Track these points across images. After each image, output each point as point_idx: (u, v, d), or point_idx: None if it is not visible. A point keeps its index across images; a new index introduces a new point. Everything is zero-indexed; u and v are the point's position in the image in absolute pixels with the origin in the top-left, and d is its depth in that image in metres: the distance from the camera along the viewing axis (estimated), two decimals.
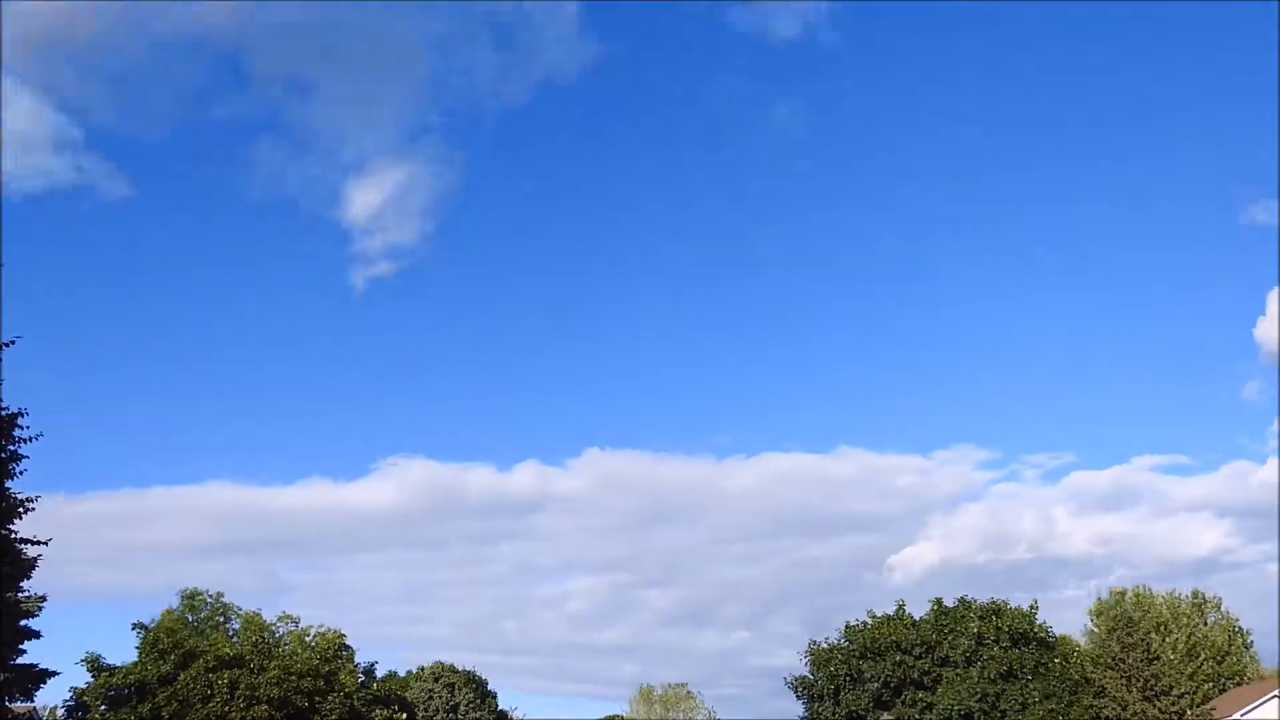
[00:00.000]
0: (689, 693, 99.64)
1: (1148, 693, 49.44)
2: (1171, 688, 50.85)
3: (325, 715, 44.18)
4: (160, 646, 44.52)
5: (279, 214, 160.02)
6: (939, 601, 53.05)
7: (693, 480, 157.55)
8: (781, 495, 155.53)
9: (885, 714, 50.25)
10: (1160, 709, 49.30)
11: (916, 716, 49.02)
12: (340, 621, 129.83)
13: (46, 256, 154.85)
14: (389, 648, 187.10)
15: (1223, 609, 76.20)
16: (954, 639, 50.17)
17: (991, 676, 48.62)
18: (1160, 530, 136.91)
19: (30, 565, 34.85)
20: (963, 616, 51.34)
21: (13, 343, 32.68)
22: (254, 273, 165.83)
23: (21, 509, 33.58)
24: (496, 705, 73.85)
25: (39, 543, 34.38)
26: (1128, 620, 57.17)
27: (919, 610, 53.52)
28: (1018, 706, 47.77)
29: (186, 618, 54.96)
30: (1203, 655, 71.54)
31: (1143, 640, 53.22)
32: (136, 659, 45.01)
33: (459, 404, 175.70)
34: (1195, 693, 66.27)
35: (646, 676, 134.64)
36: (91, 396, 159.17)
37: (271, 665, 44.41)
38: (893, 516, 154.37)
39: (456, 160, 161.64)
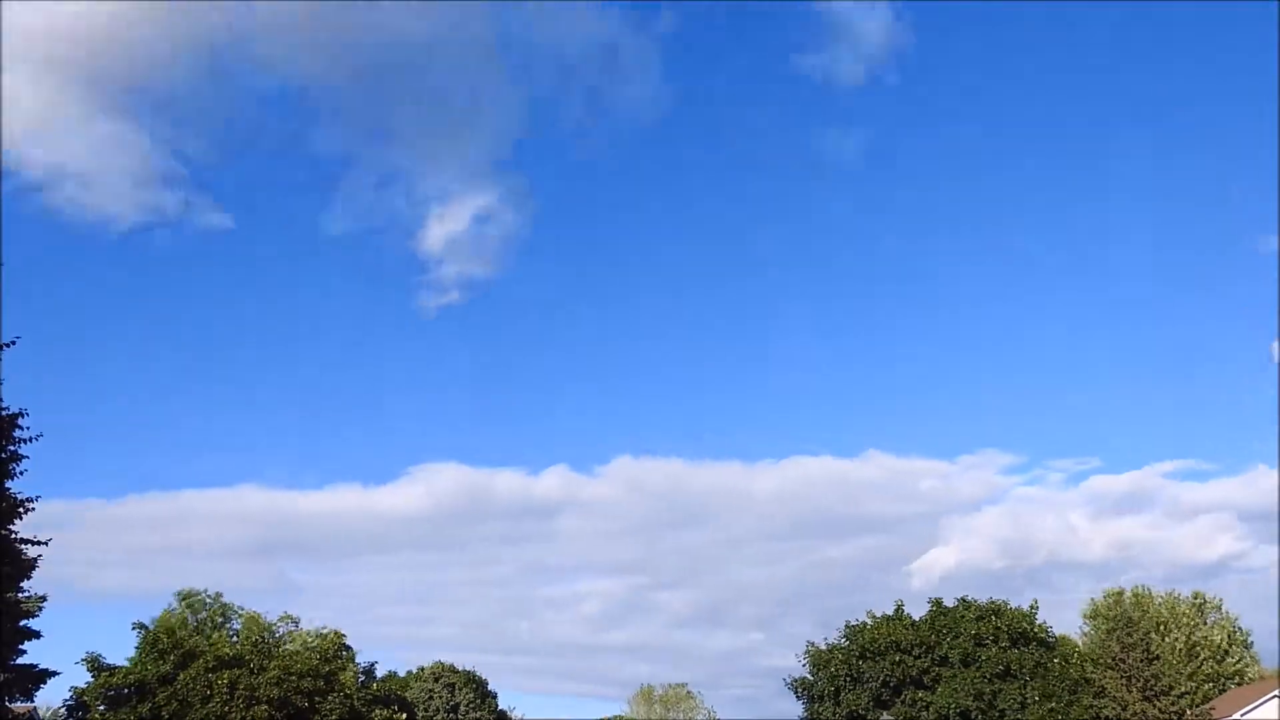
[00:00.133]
0: (689, 693, 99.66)
1: (1147, 693, 49.42)
2: (1171, 688, 50.83)
3: (325, 715, 44.16)
4: (160, 646, 44.53)
5: (359, 244, 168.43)
6: (938, 602, 53.07)
7: (718, 484, 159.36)
8: (803, 499, 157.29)
9: (885, 714, 50.27)
10: (1160, 709, 49.28)
11: (916, 715, 49.02)
12: (350, 622, 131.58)
13: (150, 282, 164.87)
14: (399, 647, 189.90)
15: (1223, 609, 76.30)
16: (952, 639, 50.19)
17: (989, 676, 48.63)
18: (1176, 534, 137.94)
19: (30, 565, 34.85)
20: (961, 617, 51.35)
21: (13, 343, 32.69)
22: (327, 296, 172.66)
23: (21, 509, 33.57)
24: (496, 705, 73.84)
25: (39, 543, 34.39)
26: (1128, 620, 57.16)
27: (920, 611, 53.58)
28: (1016, 705, 47.78)
29: (186, 618, 54.96)
30: (1203, 655, 71.55)
31: (1142, 640, 53.20)
32: (136, 659, 45.01)
33: (499, 415, 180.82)
34: (1195, 693, 66.27)
35: (657, 677, 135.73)
36: (155, 406, 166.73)
37: (271, 665, 44.41)
38: (910, 520, 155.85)
39: (530, 197, 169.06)
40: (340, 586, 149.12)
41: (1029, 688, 48.35)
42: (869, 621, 53.33)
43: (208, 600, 58.37)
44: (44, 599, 36.32)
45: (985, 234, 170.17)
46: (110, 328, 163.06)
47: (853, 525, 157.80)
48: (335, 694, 44.83)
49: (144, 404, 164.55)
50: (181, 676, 43.33)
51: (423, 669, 72.21)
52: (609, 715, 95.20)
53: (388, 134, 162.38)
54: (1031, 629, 51.07)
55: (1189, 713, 50.81)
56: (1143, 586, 78.25)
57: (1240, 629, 74.58)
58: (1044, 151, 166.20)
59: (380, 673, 54.78)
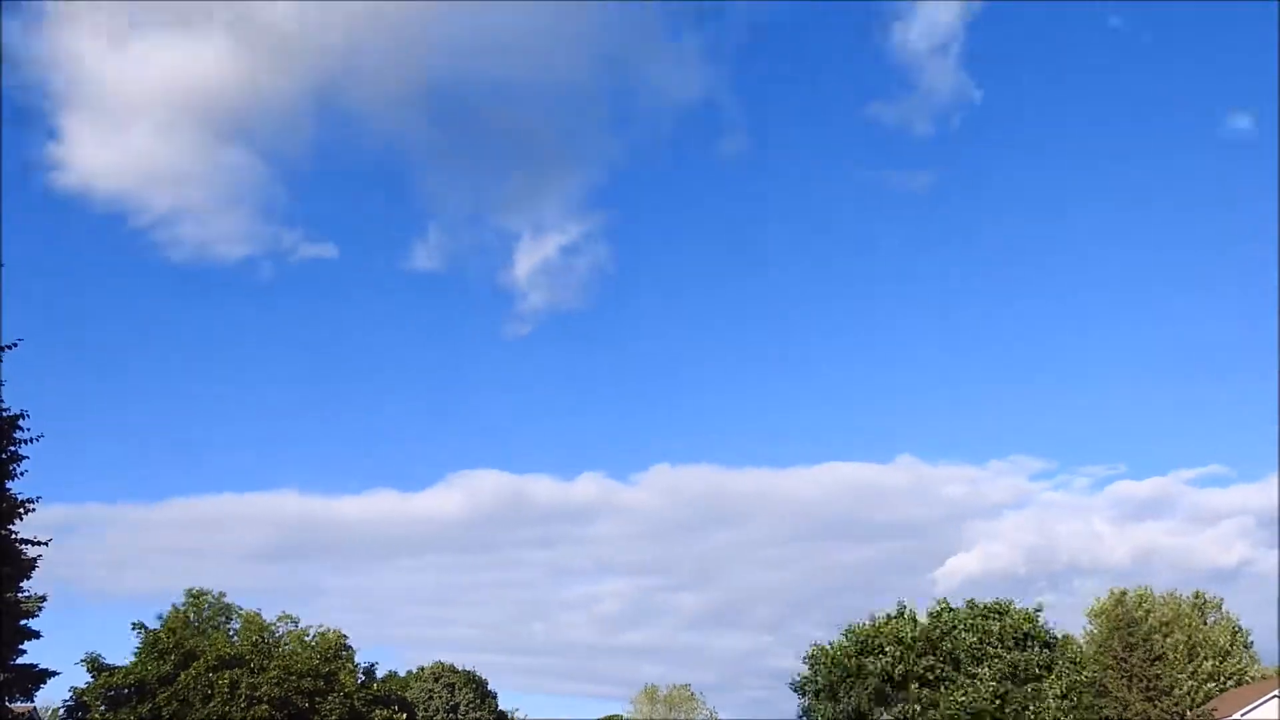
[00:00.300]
0: (691, 693, 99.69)
1: (1149, 693, 49.44)
2: (1173, 688, 50.86)
3: (325, 715, 44.23)
4: (160, 646, 44.62)
5: (450, 274, 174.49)
6: (943, 601, 53.03)
7: (750, 489, 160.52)
8: (829, 503, 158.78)
9: (886, 714, 50.23)
10: (1161, 709, 49.30)
11: (918, 716, 48.98)
12: (370, 623, 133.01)
13: (251, 310, 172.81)
14: (416, 647, 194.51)
15: (1223, 609, 76.28)
16: (955, 639, 50.15)
17: (999, 676, 48.58)
18: (1196, 540, 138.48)
19: (30, 565, 34.90)
20: (964, 617, 51.31)
21: (14, 345, 32.77)
22: (412, 323, 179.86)
23: (22, 509, 33.64)
24: (496, 705, 73.95)
25: (39, 543, 34.47)
26: (1130, 620, 57.18)
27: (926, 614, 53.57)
28: (1019, 706, 47.75)
29: (189, 617, 55.08)
30: (1203, 655, 71.53)
31: (1144, 640, 53.21)
32: (137, 659, 45.11)
33: (540, 427, 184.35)
34: (1196, 692, 66.25)
35: (668, 678, 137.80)
36: (221, 415, 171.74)
37: (271, 665, 44.48)
38: (933, 524, 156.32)
39: (616, 232, 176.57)
40: (365, 588, 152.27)
41: (1040, 688, 48.28)
42: (870, 622, 53.32)
43: (211, 599, 58.39)
44: (44, 599, 36.38)
45: (1012, 241, 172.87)
46: (211, 352, 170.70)
47: (875, 530, 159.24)
48: (335, 694, 44.89)
49: (223, 421, 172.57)
50: (182, 676, 43.40)
51: (423, 669, 72.33)
52: (609, 715, 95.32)
53: (482, 168, 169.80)
54: (1035, 630, 51.03)
55: (1190, 713, 50.80)
56: (1145, 587, 78.34)
57: (1241, 629, 74.60)
58: (1088, 154, 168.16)
59: (382, 672, 54.79)
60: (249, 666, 44.35)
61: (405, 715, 49.99)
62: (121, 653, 44.64)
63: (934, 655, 50.06)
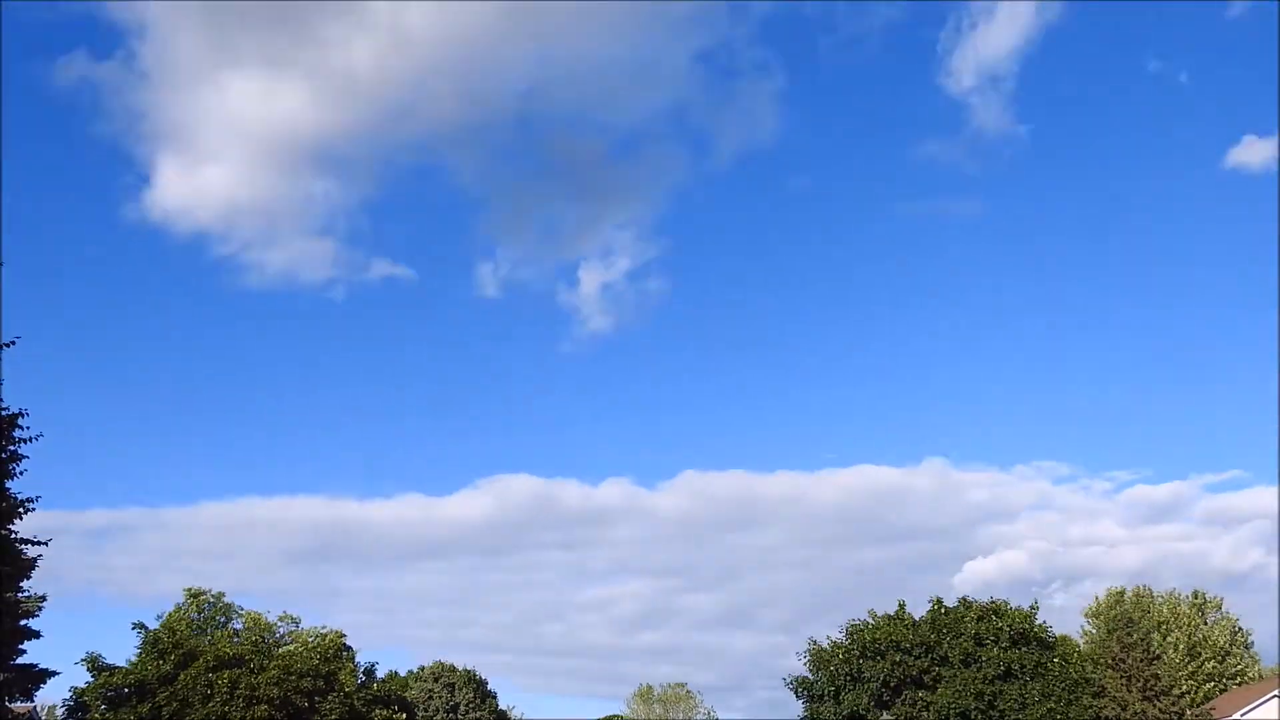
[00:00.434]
0: (688, 692, 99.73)
1: (1148, 693, 49.42)
2: (1172, 687, 50.85)
3: (325, 715, 44.14)
4: (160, 646, 44.52)
5: (514, 297, 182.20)
6: (939, 601, 53.06)
7: (776, 493, 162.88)
8: (853, 506, 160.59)
9: (885, 714, 50.24)
10: (1160, 709, 49.27)
11: (916, 715, 49.00)
12: (384, 623, 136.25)
13: (314, 328, 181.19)
14: (429, 648, 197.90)
15: (1223, 609, 76.38)
16: (952, 639, 50.18)
17: (989, 676, 48.61)
18: (1211, 544, 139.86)
19: (30, 565, 34.85)
20: (962, 617, 51.33)
21: (13, 343, 32.65)
22: (473, 343, 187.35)
23: (21, 509, 33.55)
24: (496, 705, 73.90)
25: (39, 543, 34.40)
26: (1128, 620, 57.23)
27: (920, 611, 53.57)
28: (1016, 706, 47.76)
29: (191, 616, 55.02)
30: (1204, 655, 71.61)
31: (1143, 640, 53.23)
32: (137, 659, 44.99)
33: (571, 433, 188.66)
34: (1196, 692, 66.31)
35: (678, 678, 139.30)
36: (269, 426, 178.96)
37: (271, 665, 44.39)
38: (952, 528, 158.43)
39: (675, 261, 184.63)
40: (384, 590, 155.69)
41: (1029, 688, 48.32)
42: (870, 621, 53.32)
43: (210, 599, 58.34)
44: (44, 599, 36.40)
45: (1047, 258, 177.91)
46: (272, 369, 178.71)
47: (896, 532, 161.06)
48: (335, 694, 44.81)
49: (269, 429, 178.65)
50: (182, 676, 43.32)
51: (423, 669, 72.25)
52: (608, 715, 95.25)
53: (552, 195, 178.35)
54: (1031, 629, 51.05)
55: (1189, 713, 50.80)
56: (1144, 586, 78.43)
57: (1241, 629, 74.72)
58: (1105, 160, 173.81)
59: (388, 672, 54.77)
60: (249, 666, 44.27)
61: (405, 715, 49.91)
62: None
63: (929, 657, 50.08)
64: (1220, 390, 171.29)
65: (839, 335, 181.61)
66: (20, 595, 35.40)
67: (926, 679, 49.89)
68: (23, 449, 33.34)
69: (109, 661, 44.77)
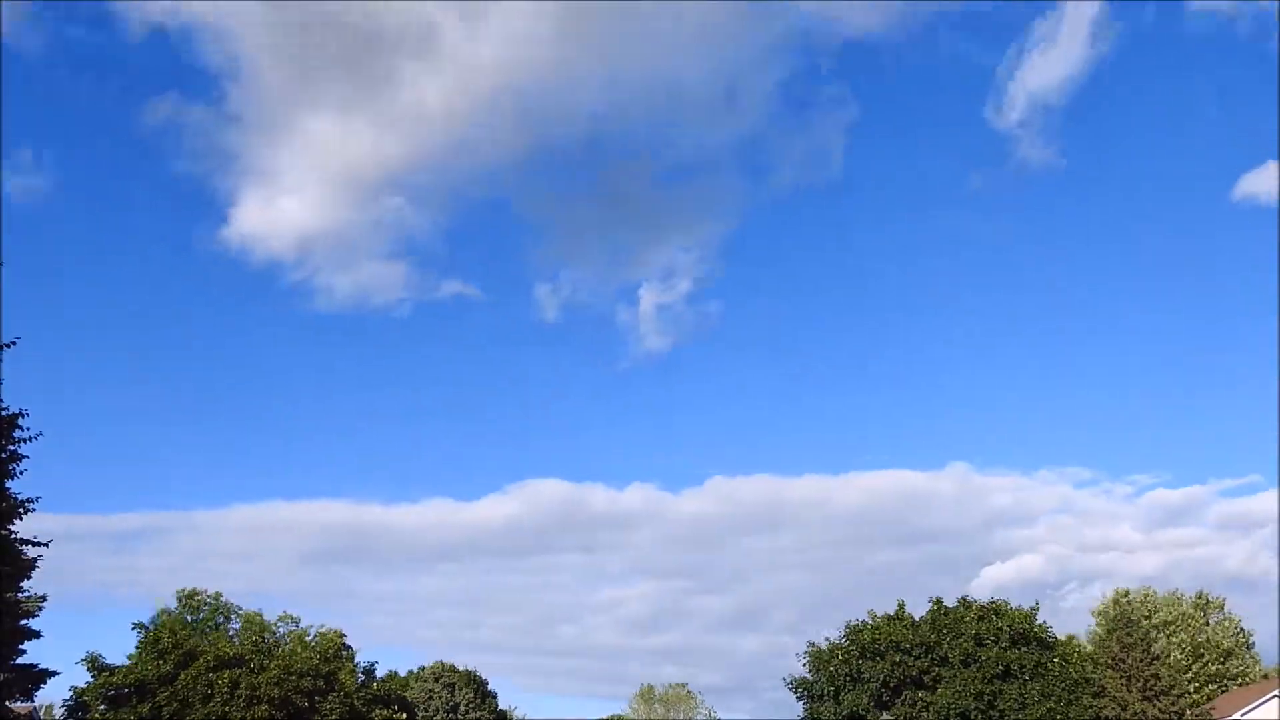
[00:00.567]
0: (689, 692, 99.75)
1: (1147, 693, 49.41)
2: (1172, 687, 50.82)
3: (325, 715, 44.18)
4: (161, 646, 44.55)
5: (572, 317, 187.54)
6: (939, 601, 53.06)
7: (799, 496, 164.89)
8: (874, 509, 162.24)
9: (885, 714, 50.23)
10: (1160, 709, 49.26)
11: (916, 715, 48.99)
12: (398, 625, 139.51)
13: (380, 345, 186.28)
14: (437, 649, 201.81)
15: (1226, 610, 76.40)
16: (952, 639, 50.17)
17: (989, 676, 48.61)
18: (1226, 549, 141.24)
19: (30, 565, 34.87)
20: (961, 617, 51.32)
21: (13, 344, 32.66)
22: (533, 360, 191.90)
23: (22, 509, 33.56)
24: (496, 705, 73.89)
25: (39, 543, 34.42)
26: (1128, 620, 57.18)
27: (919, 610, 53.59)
28: (1016, 706, 47.75)
29: (185, 618, 55.00)
30: (1206, 656, 71.61)
31: (1143, 640, 53.20)
32: (137, 658, 45.02)
33: (599, 440, 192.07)
34: (1198, 693, 66.27)
35: (686, 679, 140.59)
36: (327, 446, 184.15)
37: (271, 665, 44.42)
38: (969, 531, 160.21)
39: (729, 280, 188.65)
40: (400, 592, 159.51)
41: (1028, 688, 48.31)
42: (870, 621, 53.32)
43: (207, 600, 58.37)
44: (44, 599, 36.40)
45: (1077, 272, 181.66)
46: (334, 385, 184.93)
47: (914, 535, 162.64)
48: (335, 694, 44.84)
49: (307, 436, 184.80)
50: (182, 676, 43.36)
51: (423, 669, 72.24)
52: (609, 715, 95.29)
53: (615, 217, 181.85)
54: (1031, 629, 51.04)
55: (1189, 713, 50.77)
56: (1148, 587, 78.48)
57: (1244, 630, 74.71)
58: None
59: (390, 673, 54.79)
60: (249, 666, 44.30)
61: (405, 715, 49.95)
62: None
63: (929, 658, 50.08)
64: (1242, 395, 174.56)
65: (871, 342, 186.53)
66: (20, 595, 35.42)
67: (926, 679, 49.89)
68: (23, 449, 33.38)
69: (110, 661, 44.84)
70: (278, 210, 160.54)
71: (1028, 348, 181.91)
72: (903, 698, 49.79)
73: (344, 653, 48.36)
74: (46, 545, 34.35)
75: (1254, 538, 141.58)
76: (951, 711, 48.12)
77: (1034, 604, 52.61)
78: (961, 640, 49.95)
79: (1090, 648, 59.88)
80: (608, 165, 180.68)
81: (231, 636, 51.76)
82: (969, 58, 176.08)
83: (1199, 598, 76.80)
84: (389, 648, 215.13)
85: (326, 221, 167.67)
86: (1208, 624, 74.34)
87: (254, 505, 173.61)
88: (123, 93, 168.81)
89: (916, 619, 52.65)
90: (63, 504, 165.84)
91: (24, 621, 35.48)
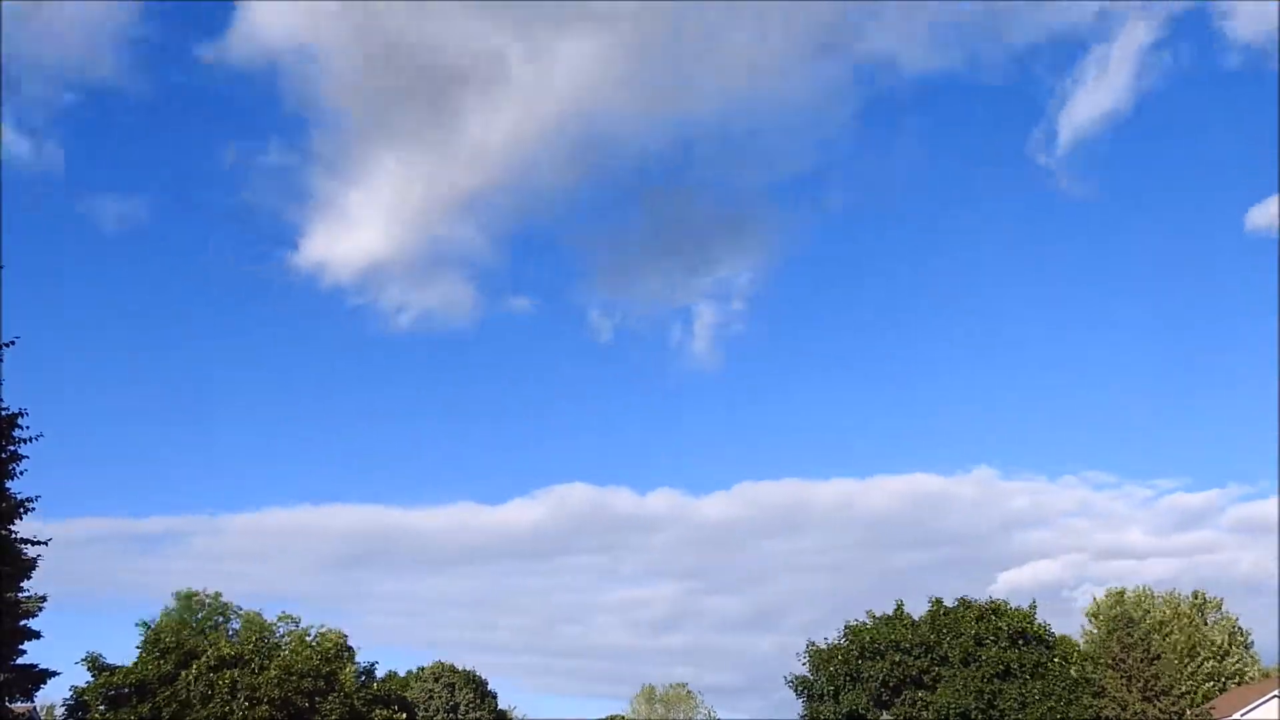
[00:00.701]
0: (689, 692, 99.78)
1: (1147, 693, 49.42)
2: (1172, 687, 50.83)
3: (325, 715, 44.17)
4: (161, 646, 44.55)
5: (624, 339, 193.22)
6: (939, 601, 53.08)
7: (822, 499, 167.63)
8: (895, 511, 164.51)
9: (885, 714, 50.25)
10: (1160, 709, 49.27)
11: (916, 715, 49.01)
12: (410, 626, 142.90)
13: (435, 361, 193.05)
14: (447, 649, 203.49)
15: (1223, 609, 76.42)
16: (952, 639, 50.18)
17: (989, 676, 48.62)
18: (1241, 554, 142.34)
19: (30, 565, 34.87)
20: (961, 616, 51.33)
21: (12, 343, 32.68)
22: (581, 376, 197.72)
23: (22, 509, 33.56)
24: (496, 705, 73.93)
25: (39, 543, 34.42)
26: (1128, 620, 57.18)
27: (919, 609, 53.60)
28: (1016, 705, 47.76)
29: (184, 618, 55.01)
30: (1203, 655, 71.63)
31: (1143, 640, 53.21)
32: (137, 658, 45.02)
33: (627, 448, 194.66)
34: (1196, 692, 66.26)
35: (696, 679, 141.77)
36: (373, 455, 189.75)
37: (272, 665, 44.41)
38: (987, 534, 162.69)
39: (769, 299, 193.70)
40: (414, 594, 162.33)
41: (1028, 687, 48.31)
42: (869, 621, 53.34)
43: (206, 600, 58.39)
44: (44, 599, 36.39)
45: (1114, 288, 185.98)
46: (386, 398, 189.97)
47: (933, 537, 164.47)
48: (335, 694, 44.83)
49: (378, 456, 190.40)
50: (182, 676, 43.34)
51: (423, 669, 72.26)
52: (609, 715, 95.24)
53: (671, 244, 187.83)
54: (1030, 629, 51.04)
55: (1189, 713, 50.77)
56: (1144, 587, 78.48)
57: (1241, 629, 74.74)
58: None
59: (381, 672, 54.78)
60: (249, 666, 44.29)
61: (405, 715, 49.95)
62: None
63: (929, 657, 50.08)
64: (1264, 402, 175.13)
65: (906, 353, 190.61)
66: (20, 595, 35.42)
67: (926, 679, 49.90)
68: (23, 449, 33.39)
69: (110, 661, 44.83)
70: (344, 239, 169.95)
71: (1061, 355, 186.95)
72: (902, 697, 49.80)
73: (344, 653, 48.37)
74: (46, 545, 34.37)
75: (1266, 541, 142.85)
76: (951, 711, 48.13)
77: (1032, 603, 52.66)
78: (961, 640, 49.96)
79: (1084, 647, 59.85)
80: (664, 192, 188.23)
81: (231, 637, 51.76)
82: (1018, 92, 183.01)
83: (1196, 598, 76.84)
84: (400, 648, 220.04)
85: (390, 248, 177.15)
86: (1205, 624, 74.39)
87: (285, 509, 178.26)
88: (210, 131, 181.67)
89: (916, 619, 52.67)
90: (98, 507, 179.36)
91: (24, 621, 35.47)
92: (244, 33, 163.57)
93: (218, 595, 59.00)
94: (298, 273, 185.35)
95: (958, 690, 48.46)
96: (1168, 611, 74.63)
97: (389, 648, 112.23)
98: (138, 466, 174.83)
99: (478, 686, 71.32)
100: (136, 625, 46.48)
